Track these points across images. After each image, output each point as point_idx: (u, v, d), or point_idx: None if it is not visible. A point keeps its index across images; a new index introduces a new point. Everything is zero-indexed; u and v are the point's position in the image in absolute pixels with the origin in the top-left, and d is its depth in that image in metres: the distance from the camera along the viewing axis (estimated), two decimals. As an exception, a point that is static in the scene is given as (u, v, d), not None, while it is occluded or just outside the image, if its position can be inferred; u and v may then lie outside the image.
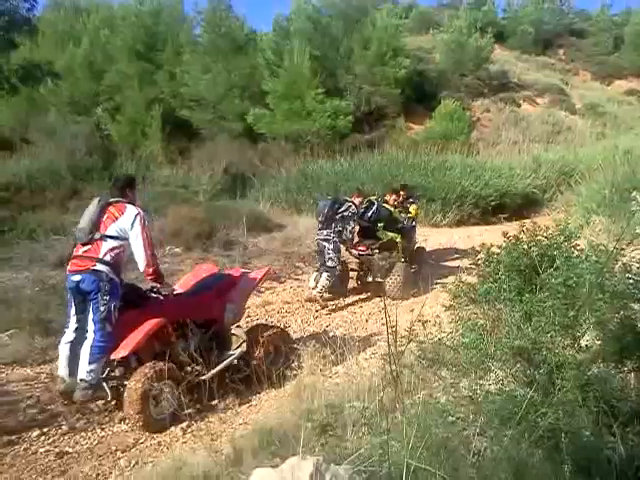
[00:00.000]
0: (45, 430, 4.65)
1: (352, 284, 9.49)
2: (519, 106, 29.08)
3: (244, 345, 5.49)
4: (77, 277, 4.77)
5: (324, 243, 8.57)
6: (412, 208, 10.40)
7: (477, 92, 28.70)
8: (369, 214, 9.10)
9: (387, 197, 10.01)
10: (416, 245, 10.40)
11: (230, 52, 22.14)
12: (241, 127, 21.44)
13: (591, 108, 29.92)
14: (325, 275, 8.45)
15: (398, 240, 9.09)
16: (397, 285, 8.68)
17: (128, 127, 20.75)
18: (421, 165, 16.27)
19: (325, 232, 8.58)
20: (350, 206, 8.70)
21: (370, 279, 9.31)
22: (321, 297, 8.42)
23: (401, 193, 10.52)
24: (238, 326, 5.84)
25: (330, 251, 8.48)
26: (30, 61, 15.86)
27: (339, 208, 8.61)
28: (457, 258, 10.50)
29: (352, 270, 9.45)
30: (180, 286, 5.74)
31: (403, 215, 10.00)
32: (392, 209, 9.54)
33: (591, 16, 43.89)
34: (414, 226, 10.22)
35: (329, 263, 8.47)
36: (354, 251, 9.17)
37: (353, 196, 9.13)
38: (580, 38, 41.66)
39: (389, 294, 8.57)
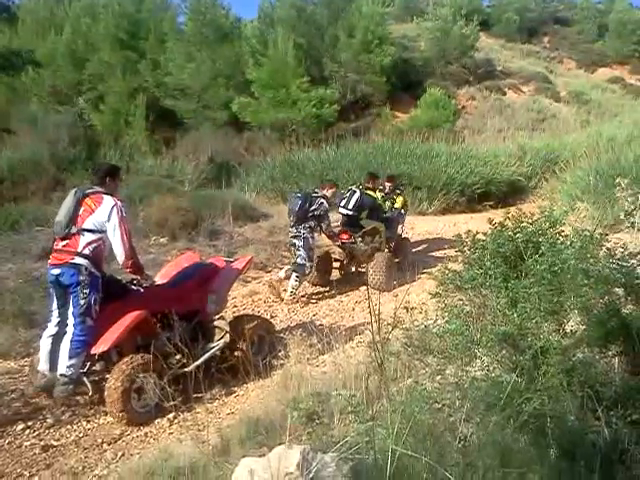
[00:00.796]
0: (30, 423, 4.61)
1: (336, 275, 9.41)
2: (504, 94, 29.14)
3: (227, 336, 5.44)
4: (56, 271, 4.72)
5: (294, 240, 8.35)
6: (398, 200, 10.36)
7: (462, 80, 28.70)
8: (352, 202, 9.02)
9: (366, 184, 9.74)
10: (401, 236, 10.29)
11: (215, 40, 21.98)
12: (226, 116, 21.33)
13: (575, 96, 30.06)
14: (294, 276, 8.20)
15: (381, 229, 9.12)
16: (379, 276, 8.57)
17: (111, 117, 20.54)
18: (407, 153, 16.24)
19: (295, 230, 8.35)
20: (322, 203, 8.39)
21: (353, 269, 9.24)
22: (292, 298, 8.16)
23: (387, 184, 10.37)
24: (221, 317, 5.79)
25: (300, 248, 8.22)
26: (10, 49, 15.64)
27: (310, 206, 8.33)
28: (443, 246, 10.54)
29: (335, 260, 9.33)
30: (161, 276, 5.67)
31: (389, 204, 9.96)
32: (375, 196, 9.49)
33: (575, 4, 44.14)
34: (400, 215, 10.10)
35: (298, 260, 8.19)
36: (337, 241, 9.04)
37: (324, 188, 8.76)
38: (565, 26, 41.87)
39: (371, 285, 8.49)
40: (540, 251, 3.61)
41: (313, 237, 8.42)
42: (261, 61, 21.60)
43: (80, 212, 4.81)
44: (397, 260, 9.37)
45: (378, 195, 9.72)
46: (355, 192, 9.19)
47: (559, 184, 12.88)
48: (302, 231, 8.26)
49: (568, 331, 3.22)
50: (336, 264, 9.33)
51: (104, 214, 4.77)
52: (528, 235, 3.85)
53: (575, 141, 18.52)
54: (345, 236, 8.94)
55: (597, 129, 19.40)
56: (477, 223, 10.25)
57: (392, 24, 28.94)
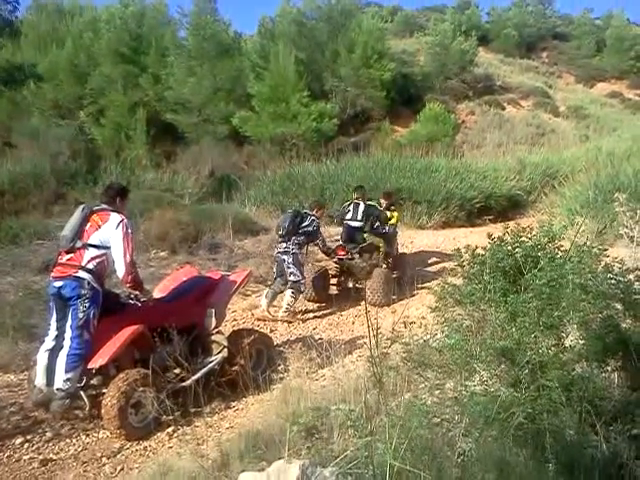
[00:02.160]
0: (29, 437, 4.58)
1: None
2: (503, 109, 29.30)
3: (225, 350, 5.43)
4: (59, 283, 4.74)
5: (283, 256, 8.17)
6: (394, 215, 10.33)
7: (462, 95, 28.88)
8: (360, 213, 9.08)
9: (381, 201, 10.02)
10: (398, 251, 10.27)
11: (215, 55, 22.11)
12: (226, 130, 21.42)
13: (574, 110, 30.24)
14: (289, 292, 8.05)
15: (380, 245, 9.13)
16: (377, 291, 8.52)
17: (112, 130, 20.64)
18: (406, 168, 16.27)
19: (284, 245, 8.21)
20: (313, 220, 8.40)
21: (350, 284, 9.13)
22: (288, 314, 8.02)
23: (383, 201, 10.37)
24: (219, 331, 5.79)
25: (290, 265, 8.07)
26: (12, 63, 15.75)
27: (301, 222, 8.30)
28: (442, 260, 10.55)
29: (333, 276, 9.25)
30: (159, 290, 5.67)
31: (390, 214, 9.96)
32: (379, 207, 9.59)
33: (573, 20, 44.45)
34: (396, 232, 10.12)
35: (291, 278, 8.04)
36: (335, 257, 9.02)
37: (314, 209, 8.78)
38: (563, 41, 42.19)
39: (369, 300, 8.47)
40: (539, 266, 3.63)
41: (302, 253, 8.35)
42: (262, 75, 21.76)
43: (86, 227, 4.86)
44: (395, 275, 9.32)
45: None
46: (359, 204, 9.24)
47: (558, 198, 12.92)
48: (291, 247, 8.17)
49: (567, 346, 3.22)
50: (334, 280, 9.27)
51: (110, 229, 4.81)
52: (527, 250, 3.86)
53: (574, 156, 18.60)
54: (342, 252, 8.92)
55: (596, 144, 19.51)
56: (476, 237, 10.28)
57: (392, 39, 29.18)
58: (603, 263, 3.58)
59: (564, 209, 11.59)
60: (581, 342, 3.16)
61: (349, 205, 9.38)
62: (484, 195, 16.21)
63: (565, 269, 3.41)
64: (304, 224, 8.30)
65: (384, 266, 9.21)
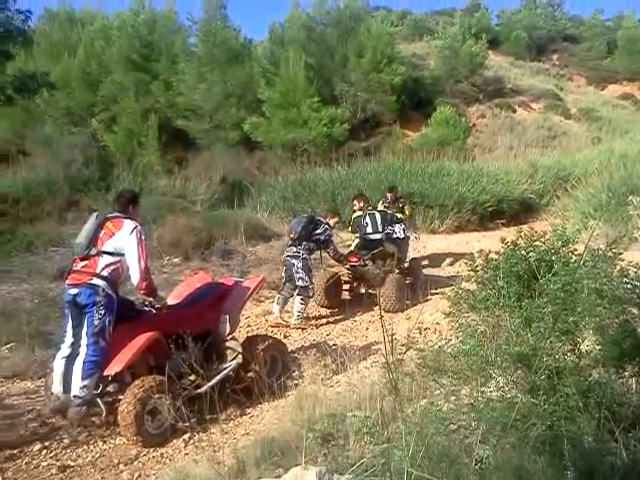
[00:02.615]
0: (47, 444, 4.62)
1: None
2: (514, 111, 29.20)
3: (239, 357, 5.45)
4: (74, 290, 4.77)
5: (293, 261, 8.12)
6: (407, 209, 10.56)
7: (472, 98, 28.81)
8: (379, 224, 9.11)
9: (388, 195, 10.34)
10: (409, 257, 10.19)
11: (226, 61, 22.21)
12: (238, 136, 21.48)
13: (586, 113, 30.07)
14: (298, 299, 8.03)
15: (393, 251, 9.10)
16: (391, 297, 8.48)
17: (124, 137, 20.78)
18: (418, 172, 16.27)
19: (294, 249, 8.19)
20: (327, 229, 8.39)
21: (362, 290, 9.09)
22: (300, 322, 8.02)
23: (388, 195, 10.60)
24: (233, 338, 5.81)
25: (299, 270, 8.01)
26: (25, 72, 15.87)
27: (314, 229, 8.28)
28: (455, 265, 10.53)
29: (345, 282, 9.24)
30: (173, 297, 5.69)
31: (399, 215, 9.98)
32: (393, 212, 9.68)
33: (584, 21, 44.20)
34: (407, 237, 10.07)
35: (299, 283, 7.99)
36: (347, 264, 9.00)
37: (328, 217, 8.86)
38: (574, 43, 41.94)
39: (383, 307, 8.44)
40: (553, 270, 3.62)
41: (311, 259, 8.36)
42: (272, 81, 21.83)
43: (100, 235, 4.89)
44: (408, 281, 9.28)
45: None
46: (374, 214, 9.26)
47: (571, 202, 12.85)
48: (301, 252, 8.15)
49: (583, 351, 3.21)
50: (346, 286, 9.26)
51: (124, 236, 4.84)
52: (541, 254, 3.85)
53: (586, 158, 18.49)
54: (354, 259, 8.90)
55: (608, 146, 19.39)
56: (489, 241, 10.26)
57: (401, 43, 29.19)
58: (618, 267, 3.56)
59: (577, 212, 11.53)
60: (597, 347, 3.15)
61: (365, 217, 9.27)
62: (496, 199, 16.14)
63: (580, 273, 3.40)
64: (317, 231, 8.29)
65: (397, 272, 9.18)
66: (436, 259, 11.61)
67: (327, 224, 8.50)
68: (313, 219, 8.50)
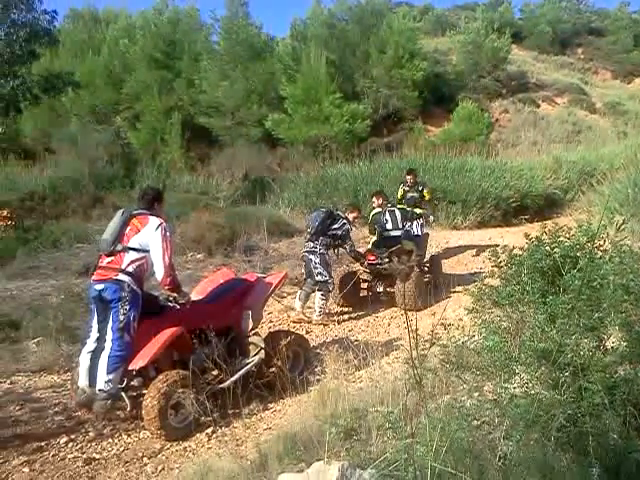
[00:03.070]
0: (73, 437, 4.70)
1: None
2: (538, 106, 28.86)
3: (262, 352, 5.47)
4: (100, 286, 4.83)
5: (310, 256, 8.11)
6: (426, 192, 10.62)
7: (495, 93, 28.56)
8: (399, 221, 9.03)
9: (407, 178, 10.57)
10: (428, 254, 10.04)
11: (248, 58, 22.29)
12: (260, 133, 21.56)
13: (612, 107, 29.61)
14: (319, 295, 8.03)
15: (411, 248, 8.99)
16: (410, 295, 8.26)
17: (148, 135, 21.01)
18: (440, 167, 16.19)
19: (311, 244, 8.16)
20: (344, 224, 8.29)
21: (381, 289, 8.94)
22: (322, 318, 8.02)
23: (407, 178, 10.74)
24: (256, 333, 5.84)
25: (317, 265, 7.99)
26: (51, 71, 16.11)
27: (332, 224, 8.21)
28: (478, 261, 10.45)
29: (364, 281, 9.12)
30: (197, 292, 5.74)
31: (418, 211, 9.90)
32: (404, 207, 9.62)
33: (609, 14, 43.46)
34: (426, 234, 10.02)
35: (318, 278, 7.96)
36: (365, 262, 8.85)
37: (348, 212, 8.73)
38: (599, 37, 41.28)
39: (401, 305, 8.31)
40: (578, 266, 3.58)
41: (328, 254, 8.28)
42: (294, 78, 21.84)
43: (126, 231, 4.94)
44: (427, 279, 9.16)
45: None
46: (394, 211, 9.19)
47: (596, 197, 12.65)
48: (319, 247, 8.10)
49: (609, 347, 3.17)
50: (364, 285, 9.13)
51: (149, 232, 4.89)
52: (566, 250, 3.81)
53: (612, 153, 18.21)
54: (372, 257, 8.78)
55: (635, 140, 19.04)
56: (513, 237, 10.17)
57: (423, 39, 28.98)
58: (645, 263, 3.51)
59: (603, 208, 11.35)
60: (624, 344, 3.10)
61: (385, 214, 9.20)
62: (520, 194, 16.01)
63: (605, 269, 3.36)
64: (334, 226, 8.23)
65: (417, 269, 9.03)
66: (458, 255, 11.53)
67: (346, 219, 8.41)
68: (331, 213, 8.41)
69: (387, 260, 8.64)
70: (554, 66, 36.22)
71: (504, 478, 2.02)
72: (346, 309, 8.70)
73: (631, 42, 38.69)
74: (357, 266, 9.32)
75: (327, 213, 8.39)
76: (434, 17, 40.99)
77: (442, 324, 3.55)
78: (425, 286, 8.66)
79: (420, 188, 10.68)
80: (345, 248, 8.41)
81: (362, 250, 9.20)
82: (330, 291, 8.22)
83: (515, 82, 30.08)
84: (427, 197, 10.66)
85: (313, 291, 8.21)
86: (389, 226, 9.08)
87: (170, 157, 19.39)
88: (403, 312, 8.05)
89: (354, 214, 8.75)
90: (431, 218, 10.16)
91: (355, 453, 2.98)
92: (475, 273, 9.29)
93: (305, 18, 25.88)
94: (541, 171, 17.54)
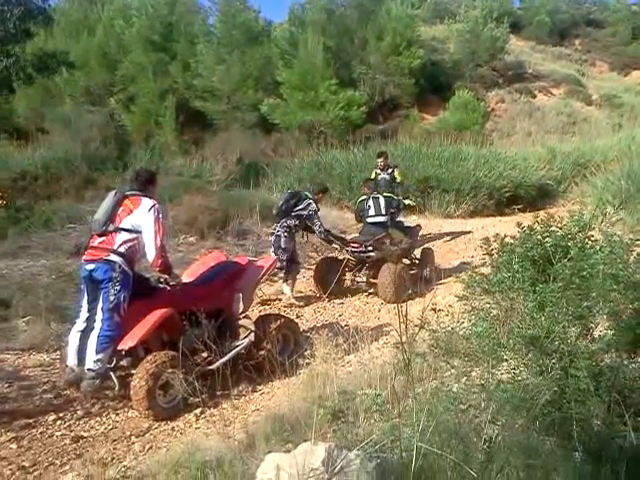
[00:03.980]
0: (61, 414, 4.70)
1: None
2: (534, 97, 28.86)
3: (252, 335, 5.49)
4: (91, 266, 4.81)
5: (272, 238, 8.17)
6: (397, 173, 10.65)
7: (492, 82, 28.52)
8: (383, 207, 8.79)
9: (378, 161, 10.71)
10: (417, 245, 9.70)
11: (244, 42, 22.14)
12: (255, 117, 21.48)
13: (608, 99, 29.63)
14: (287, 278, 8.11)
15: (401, 239, 8.81)
16: (387, 287, 8.02)
17: (142, 117, 20.88)
18: (435, 156, 16.19)
19: (276, 226, 8.13)
20: (310, 204, 8.08)
21: (363, 279, 8.69)
22: (297, 298, 8.06)
23: (378, 161, 10.79)
24: (246, 316, 5.85)
25: (277, 247, 7.96)
26: (45, 51, 15.96)
27: (296, 204, 8.04)
28: (470, 249, 10.48)
29: (349, 270, 8.80)
30: (188, 275, 5.73)
31: (407, 202, 9.83)
32: (392, 195, 9.33)
33: (609, 6, 43.40)
34: (418, 226, 9.92)
35: (281, 257, 7.82)
36: (348, 248, 8.62)
37: (315, 193, 8.54)
38: (597, 28, 41.24)
39: (380, 295, 8.18)
40: (569, 255, 3.59)
41: (288, 237, 8.01)
42: (291, 63, 21.73)
43: (119, 212, 4.91)
44: (413, 271, 8.90)
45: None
46: (378, 198, 8.92)
47: (589, 188, 12.71)
48: (278, 229, 8.03)
49: (596, 336, 3.20)
50: (349, 274, 8.86)
51: (142, 213, 4.87)
52: (557, 239, 3.82)
53: (606, 145, 18.27)
54: (355, 244, 8.57)
55: (629, 133, 19.10)
56: (505, 226, 10.20)
57: (421, 26, 28.85)
58: (635, 253, 3.53)
59: (595, 199, 11.40)
60: (611, 333, 3.13)
61: (368, 200, 8.98)
62: (513, 184, 16.04)
63: (595, 259, 3.38)
64: (299, 207, 8.05)
65: (403, 262, 8.87)
66: (450, 243, 11.56)
67: (312, 199, 8.22)
68: (296, 194, 8.27)
69: (371, 249, 8.45)
70: (551, 57, 36.20)
71: (488, 460, 2.04)
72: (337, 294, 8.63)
73: (629, 34, 38.70)
74: (341, 254, 9.09)
75: (291, 194, 8.28)
76: (433, 4, 40.79)
77: (433, 309, 3.56)
78: (410, 279, 8.25)
79: (390, 171, 10.70)
80: (314, 228, 8.20)
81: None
82: (292, 272, 8.10)
83: (512, 72, 30.03)
84: (398, 179, 10.65)
85: (298, 272, 8.28)
86: (371, 212, 8.88)
87: (164, 140, 19.29)
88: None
89: (319, 196, 8.71)
90: (406, 201, 9.89)
91: (342, 435, 3.01)
92: (466, 262, 9.34)
93: (304, 3, 25.72)
94: (535, 162, 17.58)
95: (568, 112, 27.20)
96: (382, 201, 8.88)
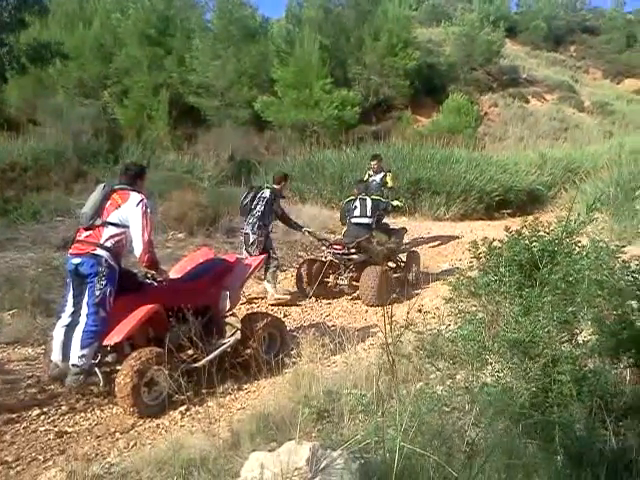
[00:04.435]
0: (45, 410, 4.67)
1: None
2: (527, 102, 29.00)
3: (238, 333, 5.47)
4: (77, 260, 4.78)
5: (242, 237, 8.24)
6: (388, 178, 10.43)
7: (486, 86, 28.65)
8: (369, 209, 8.60)
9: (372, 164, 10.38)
10: (402, 248, 9.55)
11: (241, 39, 22.08)
12: (248, 115, 21.46)
13: (600, 106, 29.84)
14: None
15: (385, 241, 8.66)
16: (368, 290, 7.91)
17: (135, 111, 20.77)
18: (427, 158, 16.18)
19: (244, 225, 8.16)
20: (263, 194, 8.07)
21: (345, 282, 8.48)
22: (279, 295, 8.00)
23: (372, 163, 10.66)
24: (233, 314, 5.84)
25: (248, 242, 7.98)
26: (40, 41, 15.88)
27: (253, 200, 8.05)
28: (458, 252, 10.52)
29: (332, 273, 8.58)
30: (176, 271, 5.71)
31: (395, 203, 9.59)
32: (380, 198, 9.04)
33: (604, 13, 43.66)
34: (404, 229, 9.81)
35: (252, 253, 7.75)
36: (330, 250, 8.54)
37: (276, 182, 8.46)
38: (593, 35, 41.47)
39: (362, 299, 8.06)
40: (555, 261, 3.61)
41: (257, 233, 7.94)
42: (286, 61, 21.71)
43: (106, 205, 4.88)
44: (397, 275, 8.80)
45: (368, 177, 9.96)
46: (365, 199, 8.74)
47: (579, 195, 12.78)
48: (245, 227, 8.09)
49: (580, 341, 3.22)
50: (331, 277, 8.62)
51: (129, 208, 4.84)
52: (544, 244, 3.84)
53: (597, 152, 18.39)
54: (338, 247, 8.44)
55: (620, 140, 19.24)
56: (494, 230, 10.23)
57: (418, 28, 28.93)
58: (620, 260, 3.56)
59: (584, 205, 11.46)
60: (594, 338, 3.15)
61: (355, 201, 8.85)
62: (504, 188, 16.06)
63: (581, 264, 3.40)
64: (257, 208, 8.01)
65: (387, 265, 8.79)
66: (439, 246, 11.60)
67: (271, 188, 8.21)
68: (251, 189, 8.35)
69: (354, 251, 8.31)
70: (546, 62, 36.37)
71: (470, 461, 2.06)
72: (323, 293, 8.59)
73: (624, 42, 38.94)
74: (323, 255, 9.07)
75: (247, 191, 8.34)
76: (430, 6, 40.84)
77: (419, 310, 3.58)
78: (394, 283, 8.17)
79: (382, 174, 10.55)
80: (277, 213, 8.23)
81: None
82: (266, 269, 8.04)
83: (506, 76, 30.17)
84: (390, 184, 10.40)
85: (277, 268, 8.30)
86: (356, 213, 8.73)
87: (156, 135, 19.20)
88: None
89: (283, 183, 8.59)
90: (394, 202, 9.77)
91: (327, 434, 3.02)
92: (454, 265, 9.36)
93: (301, 0, 25.68)
94: (526, 166, 17.64)
95: (560, 118, 27.36)
96: (369, 203, 8.72)
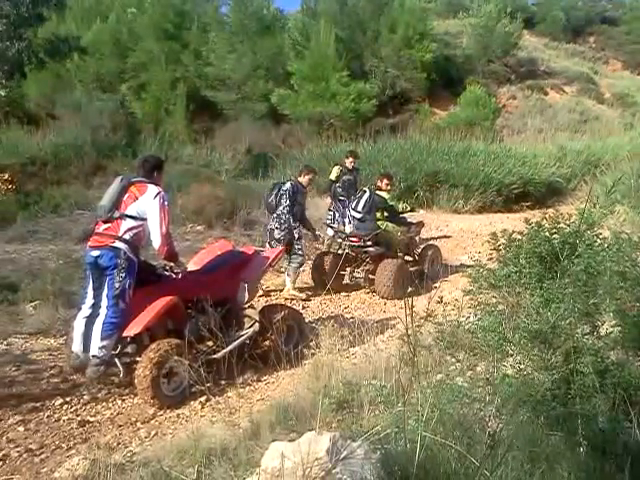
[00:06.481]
0: (68, 399, 4.75)
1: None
2: (546, 94, 28.65)
3: (256, 325, 5.51)
4: (96, 252, 4.82)
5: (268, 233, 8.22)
6: (387, 196, 9.17)
7: (504, 78, 28.32)
8: (362, 204, 8.43)
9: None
10: (419, 240, 9.53)
11: (257, 32, 22.10)
12: (265, 108, 21.46)
13: (620, 98, 29.40)
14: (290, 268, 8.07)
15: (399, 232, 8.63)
16: (386, 283, 7.90)
17: (152, 105, 20.89)
18: (445, 151, 16.11)
19: (270, 221, 8.18)
20: (286, 189, 8.00)
21: (362, 275, 8.48)
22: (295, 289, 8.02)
23: (347, 161, 10.16)
24: (251, 306, 5.86)
25: (273, 237, 7.98)
26: (57, 36, 16.00)
27: (277, 193, 8.01)
28: (477, 244, 10.46)
29: (348, 266, 8.61)
30: (194, 263, 5.74)
31: (401, 205, 9.30)
32: (386, 196, 8.77)
33: (624, 3, 42.89)
34: (421, 222, 9.69)
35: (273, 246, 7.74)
36: (347, 242, 8.49)
37: (303, 175, 8.29)
38: (612, 26, 40.76)
39: (378, 292, 8.06)
40: (576, 253, 3.58)
41: (282, 229, 7.93)
42: (302, 54, 21.66)
43: (124, 198, 4.91)
44: (415, 268, 8.61)
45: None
46: (365, 192, 8.58)
47: (599, 187, 12.63)
48: (270, 223, 8.12)
49: (602, 333, 3.20)
50: (348, 269, 8.67)
51: (147, 201, 4.87)
52: (565, 236, 3.81)
53: (617, 144, 18.14)
54: (354, 239, 8.40)
55: (640, 132, 18.98)
56: (513, 223, 10.14)
57: (434, 20, 28.65)
58: (643, 251, 3.52)
59: (604, 197, 11.34)
60: (617, 330, 3.13)
61: (358, 192, 8.79)
62: (522, 181, 15.95)
63: (603, 256, 3.37)
64: (280, 207, 7.98)
65: (402, 258, 8.65)
66: (458, 238, 11.55)
67: (295, 183, 8.12)
68: (275, 186, 8.23)
69: (370, 243, 8.26)
70: (565, 54, 35.87)
71: (492, 452, 2.05)
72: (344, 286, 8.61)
73: (645, 33, 38.21)
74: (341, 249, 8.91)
75: (270, 188, 8.29)
76: (447, -2, 40.44)
77: (439, 301, 3.57)
78: (410, 276, 8.00)
79: (355, 174, 10.20)
80: (296, 214, 8.08)
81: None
82: (289, 263, 8.09)
83: (524, 68, 29.80)
84: (403, 209, 9.49)
85: (301, 265, 8.28)
86: (352, 205, 8.63)
87: (173, 128, 19.28)
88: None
89: (309, 176, 8.31)
90: (401, 206, 9.49)
91: (347, 425, 3.03)
92: (473, 258, 9.28)
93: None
94: (545, 159, 17.46)
95: (580, 110, 26.99)
96: (365, 197, 8.51)
